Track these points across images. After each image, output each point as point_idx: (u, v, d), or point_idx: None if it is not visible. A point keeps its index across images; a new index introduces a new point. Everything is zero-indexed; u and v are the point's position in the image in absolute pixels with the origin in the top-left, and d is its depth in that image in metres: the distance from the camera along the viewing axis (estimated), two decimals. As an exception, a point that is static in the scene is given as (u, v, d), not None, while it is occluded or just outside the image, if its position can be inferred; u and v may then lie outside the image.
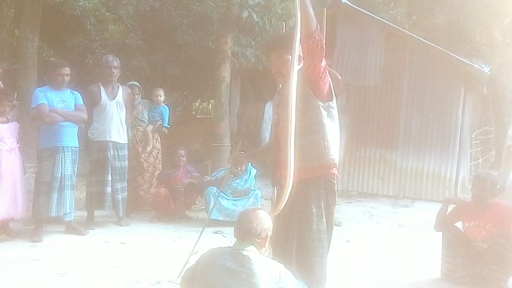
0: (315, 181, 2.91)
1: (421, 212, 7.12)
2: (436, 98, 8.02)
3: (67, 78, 5.14)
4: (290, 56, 2.77)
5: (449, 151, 8.03)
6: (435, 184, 8.03)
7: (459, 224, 4.39)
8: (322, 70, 2.84)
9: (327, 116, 2.92)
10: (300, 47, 2.73)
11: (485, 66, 12.03)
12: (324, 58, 2.82)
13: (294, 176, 2.62)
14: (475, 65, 8.93)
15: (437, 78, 8.07)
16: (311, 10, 2.68)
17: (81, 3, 9.00)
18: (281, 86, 3.38)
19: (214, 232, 5.64)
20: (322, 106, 2.91)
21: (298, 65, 2.84)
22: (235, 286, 2.38)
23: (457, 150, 8.03)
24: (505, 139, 6.67)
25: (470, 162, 9.36)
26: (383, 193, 8.35)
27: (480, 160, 10.38)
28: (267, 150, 3.48)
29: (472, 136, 9.51)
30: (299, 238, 2.87)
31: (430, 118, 8.08)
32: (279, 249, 2.94)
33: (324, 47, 2.79)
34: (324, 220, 2.91)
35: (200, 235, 4.15)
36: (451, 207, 4.46)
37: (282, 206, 2.64)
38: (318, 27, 2.75)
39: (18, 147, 5.11)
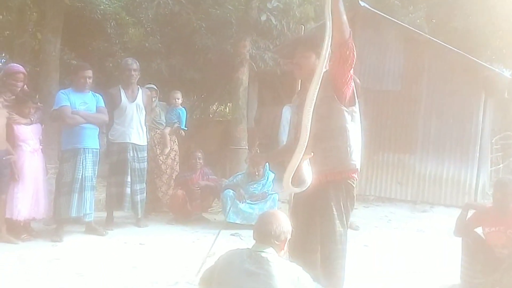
0: (336, 184, 2.97)
1: (440, 217, 7.04)
2: (455, 102, 7.94)
3: (89, 81, 5.22)
4: (314, 54, 2.84)
5: (469, 156, 7.93)
6: (455, 190, 7.94)
7: (479, 230, 4.33)
8: (349, 76, 2.87)
9: (351, 121, 2.97)
10: (331, 52, 2.73)
11: (506, 70, 11.84)
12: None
13: (315, 179, 2.72)
14: (496, 69, 8.81)
15: (456, 83, 7.99)
16: (345, 17, 2.68)
17: (102, 7, 9.14)
18: (299, 88, 3.40)
19: (231, 235, 5.66)
20: (346, 111, 2.95)
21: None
22: (253, 287, 2.39)
23: (477, 155, 7.93)
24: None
25: (491, 167, 9.22)
26: (401, 198, 8.28)
27: (501, 165, 10.22)
28: (285, 151, 3.46)
29: (492, 141, 9.37)
30: (322, 240, 2.95)
31: (449, 122, 8.00)
32: (299, 250, 2.98)
33: (355, 54, 2.80)
34: (344, 222, 2.96)
35: (216, 237, 4.17)
36: (470, 213, 4.41)
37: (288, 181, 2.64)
38: (351, 35, 2.75)
39: (41, 149, 5.20)
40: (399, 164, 8.32)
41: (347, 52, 2.75)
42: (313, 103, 2.60)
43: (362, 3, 8.76)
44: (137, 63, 5.81)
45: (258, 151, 6.28)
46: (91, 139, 5.21)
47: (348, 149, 2.94)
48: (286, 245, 2.60)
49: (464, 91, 7.93)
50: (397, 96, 8.23)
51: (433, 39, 8.55)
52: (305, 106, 2.62)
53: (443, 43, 8.49)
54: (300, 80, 3.64)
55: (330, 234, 2.92)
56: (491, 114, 8.79)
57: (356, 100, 3.01)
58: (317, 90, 2.60)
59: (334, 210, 2.92)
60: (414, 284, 4.22)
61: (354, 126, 2.98)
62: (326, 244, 2.94)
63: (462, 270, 4.24)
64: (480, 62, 8.56)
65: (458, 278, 4.27)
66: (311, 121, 2.64)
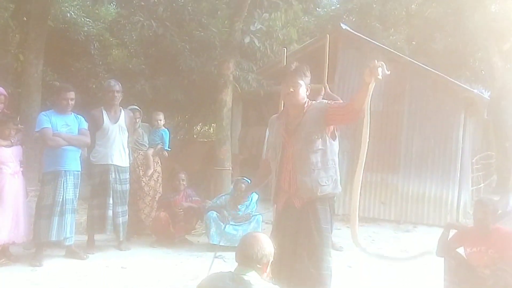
0: (321, 200, 3.26)
1: (423, 237, 7.07)
2: (436, 122, 8.07)
3: (71, 102, 5.19)
4: (305, 84, 3.27)
5: (450, 176, 8.03)
6: (437, 209, 8.00)
7: (461, 250, 4.36)
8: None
9: (337, 153, 3.33)
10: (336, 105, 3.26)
11: (485, 91, 12.10)
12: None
13: (301, 199, 3.17)
14: (475, 90, 9.00)
15: (437, 103, 8.12)
16: (368, 99, 3.09)
17: (86, 29, 9.16)
18: (281, 111, 3.45)
19: (215, 257, 5.59)
20: (334, 145, 3.31)
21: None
22: (236, 311, 2.37)
23: (458, 174, 8.03)
24: (508, 163, 6.68)
25: (472, 187, 9.32)
26: (384, 218, 8.31)
27: (482, 185, 10.35)
28: (264, 174, 3.67)
29: (473, 160, 9.50)
30: (312, 253, 3.16)
31: (431, 142, 8.11)
32: (286, 266, 3.16)
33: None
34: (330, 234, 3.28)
35: (211, 265, 4.08)
36: (452, 232, 4.44)
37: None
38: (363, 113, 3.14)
39: (21, 171, 5.13)
40: (382, 184, 8.38)
41: (351, 119, 3.22)
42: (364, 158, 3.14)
43: (344, 26, 8.94)
44: (120, 84, 5.81)
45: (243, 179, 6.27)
46: (73, 161, 5.15)
47: (338, 179, 3.33)
48: (268, 267, 2.59)
49: (445, 111, 8.06)
50: (379, 116, 8.32)
51: (414, 61, 8.73)
52: (359, 163, 3.14)
53: (423, 65, 8.66)
54: (283, 103, 3.80)
55: (321, 246, 3.19)
56: (471, 134, 8.94)
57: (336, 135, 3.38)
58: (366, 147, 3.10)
59: (323, 223, 3.21)
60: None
61: (337, 158, 3.36)
62: (317, 256, 3.17)
63: (445, 291, 4.25)
64: (459, 83, 8.74)
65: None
66: (306, 151, 3.18)
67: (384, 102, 8.42)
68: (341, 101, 3.42)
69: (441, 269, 4.32)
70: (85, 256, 5.28)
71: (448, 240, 4.34)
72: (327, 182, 3.23)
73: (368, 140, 3.11)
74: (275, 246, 2.90)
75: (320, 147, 3.22)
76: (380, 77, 2.93)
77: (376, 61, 2.95)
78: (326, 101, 3.41)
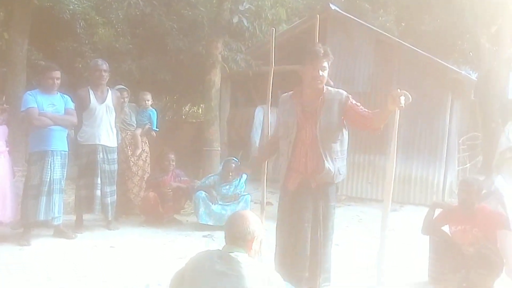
0: (332, 185, 3.51)
1: (409, 216, 7.17)
2: (424, 104, 8.11)
3: (57, 82, 5.12)
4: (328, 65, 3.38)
5: (436, 157, 8.12)
6: (423, 189, 8.11)
7: (446, 228, 4.44)
8: None
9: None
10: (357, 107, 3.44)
11: (472, 72, 12.19)
12: None
13: (318, 181, 3.39)
14: (463, 72, 9.05)
15: (425, 85, 8.16)
16: (396, 126, 3.41)
17: (71, 7, 8.97)
18: (295, 91, 3.59)
19: (203, 236, 5.65)
20: (347, 135, 3.51)
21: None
22: (224, 288, 2.39)
23: (445, 155, 8.12)
24: (493, 144, 6.76)
25: (458, 167, 9.44)
26: (372, 197, 8.41)
27: (468, 165, 10.47)
28: (266, 153, 3.82)
29: (459, 141, 9.59)
30: (325, 228, 3.43)
31: (418, 123, 8.17)
32: (305, 237, 3.40)
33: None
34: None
35: None
36: (437, 212, 4.51)
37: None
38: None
39: (7, 151, 5.08)
40: (369, 165, 8.45)
41: (367, 130, 3.48)
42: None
43: (333, 7, 8.88)
44: (107, 64, 5.73)
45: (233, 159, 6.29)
46: (60, 141, 5.11)
47: (346, 167, 3.56)
48: (256, 244, 2.61)
49: (432, 93, 8.10)
50: (367, 98, 8.34)
51: (402, 42, 8.73)
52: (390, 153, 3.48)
53: (412, 46, 8.67)
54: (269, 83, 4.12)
55: (330, 223, 3.47)
56: (458, 115, 9.01)
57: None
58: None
59: (331, 202, 3.48)
60: (384, 281, 4.28)
61: None
62: (326, 232, 3.45)
63: (429, 268, 4.34)
64: (447, 65, 8.78)
65: (426, 275, 4.37)
66: (324, 142, 3.34)
67: (373, 83, 8.45)
68: (332, 84, 3.46)
69: (427, 246, 4.40)
70: (73, 236, 5.29)
71: (434, 218, 4.42)
72: (343, 171, 3.49)
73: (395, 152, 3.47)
74: (289, 223, 3.41)
75: (339, 137, 3.42)
76: (402, 105, 3.10)
77: (399, 90, 3.12)
78: (346, 94, 3.47)
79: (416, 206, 7.74)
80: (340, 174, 3.44)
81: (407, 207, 7.87)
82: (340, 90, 3.50)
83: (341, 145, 3.44)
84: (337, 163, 3.40)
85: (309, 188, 3.40)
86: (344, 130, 3.46)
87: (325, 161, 3.35)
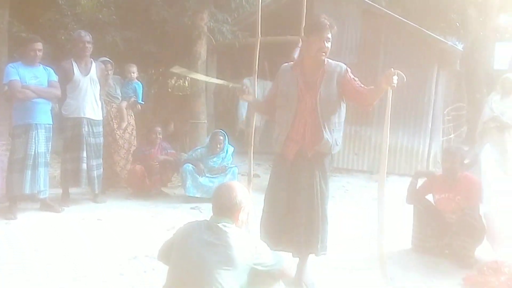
0: (328, 156, 3.55)
1: (394, 186, 7.26)
2: (410, 74, 7.91)
3: (39, 54, 5.02)
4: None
5: (422, 127, 8.19)
6: (408, 159, 8.20)
7: (430, 197, 4.51)
8: None
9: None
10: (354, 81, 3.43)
11: (458, 43, 12.20)
12: None
13: (315, 150, 3.39)
14: (449, 43, 9.05)
15: (412, 55, 8.15)
16: (376, 99, 3.43)
17: (52, -23, 8.75)
18: (296, 62, 3.60)
19: (191, 208, 5.69)
20: (345, 108, 3.52)
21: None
22: (212, 258, 2.42)
23: (430, 125, 8.19)
24: (478, 115, 6.84)
25: (442, 137, 9.54)
26: (358, 168, 8.50)
27: (452, 135, 10.60)
28: (270, 110, 3.69)
29: (445, 112, 9.68)
30: (321, 197, 3.47)
31: (404, 94, 8.18)
32: (302, 205, 3.45)
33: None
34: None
35: None
36: (421, 181, 4.58)
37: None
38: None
39: (-10, 125, 5.01)
40: (356, 136, 8.51)
41: (359, 106, 3.53)
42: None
43: (320, -25, 8.75)
44: (90, 35, 5.62)
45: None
46: (43, 114, 5.04)
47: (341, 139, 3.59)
48: (243, 215, 2.63)
49: (419, 63, 8.10)
50: (354, 69, 8.25)
51: (390, 12, 8.67)
52: (384, 129, 3.41)
53: (399, 17, 8.62)
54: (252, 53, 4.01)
55: (325, 190, 3.50)
56: (444, 86, 9.05)
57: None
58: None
59: (327, 170, 3.53)
60: (369, 249, 4.37)
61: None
62: (323, 199, 3.49)
63: (413, 235, 4.44)
64: (434, 35, 8.75)
65: (410, 243, 4.47)
66: (323, 112, 3.35)
67: (360, 54, 8.42)
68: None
69: (411, 215, 4.49)
70: (60, 209, 5.28)
71: (418, 188, 4.49)
72: (340, 142, 3.53)
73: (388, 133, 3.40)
74: (283, 191, 3.45)
75: (337, 109, 3.44)
76: (395, 85, 3.12)
77: (392, 69, 3.13)
78: (345, 67, 3.48)
79: (400, 176, 7.83)
80: (337, 145, 3.47)
81: (392, 177, 7.95)
82: (340, 63, 3.49)
83: (339, 116, 3.47)
84: (335, 134, 3.43)
85: (305, 157, 3.43)
86: (342, 102, 3.48)
87: (324, 131, 3.37)
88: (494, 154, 6.27)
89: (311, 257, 3.61)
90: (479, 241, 4.19)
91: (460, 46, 11.67)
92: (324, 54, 3.37)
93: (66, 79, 5.42)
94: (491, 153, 4.42)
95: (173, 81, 15.19)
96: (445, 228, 4.25)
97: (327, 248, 3.59)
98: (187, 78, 11.05)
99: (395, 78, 3.12)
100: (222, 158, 6.19)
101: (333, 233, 4.75)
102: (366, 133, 8.43)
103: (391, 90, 3.19)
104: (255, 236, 2.67)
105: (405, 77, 3.12)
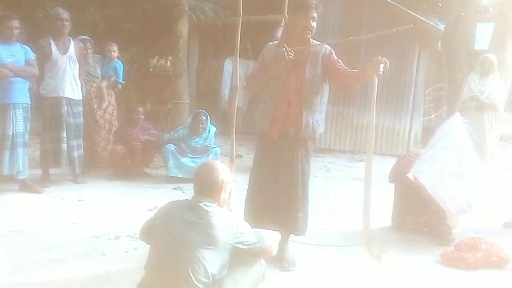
0: (311, 140, 3.61)
1: (376, 166, 7.31)
2: (392, 54, 8.10)
3: (16, 31, 4.91)
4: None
5: (403, 107, 8.26)
6: (389, 139, 8.29)
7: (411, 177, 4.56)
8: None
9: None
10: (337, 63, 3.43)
11: (440, 23, 12.25)
12: None
13: (296, 130, 3.40)
14: (431, 22, 9.08)
15: (394, 35, 8.10)
16: (359, 84, 3.52)
17: (28, -48, 8.48)
18: (281, 40, 3.60)
19: (173, 188, 5.68)
20: (327, 89, 3.53)
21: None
22: (193, 237, 2.43)
23: (411, 106, 8.27)
24: (458, 95, 6.91)
25: (423, 117, 9.66)
26: (340, 148, 8.56)
27: (433, 116, 10.72)
28: (260, 84, 3.60)
29: (426, 92, 9.77)
30: (303, 176, 3.49)
31: (386, 74, 8.17)
32: (283, 184, 3.47)
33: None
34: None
35: None
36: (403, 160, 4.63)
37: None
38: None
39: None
40: (338, 116, 8.55)
41: (342, 89, 3.67)
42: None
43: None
44: (68, 13, 5.50)
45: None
46: (21, 94, 4.95)
47: (325, 120, 3.61)
48: (225, 194, 2.64)
49: (401, 43, 8.13)
50: (336, 48, 8.28)
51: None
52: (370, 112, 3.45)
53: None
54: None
55: (307, 170, 3.53)
56: (425, 66, 9.12)
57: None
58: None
59: (310, 151, 3.56)
60: (350, 227, 4.44)
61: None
62: (304, 179, 3.51)
63: (393, 213, 4.51)
64: (416, 15, 8.77)
65: (390, 220, 4.54)
66: (306, 93, 3.36)
67: (343, 33, 8.40)
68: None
69: (391, 194, 4.55)
70: (40, 190, 5.22)
71: (399, 166, 4.55)
72: (321, 123, 3.52)
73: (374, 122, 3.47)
74: (267, 170, 3.48)
75: (321, 90, 3.43)
76: (381, 73, 3.11)
77: (379, 57, 3.11)
78: (330, 48, 3.47)
79: (382, 156, 7.91)
80: (319, 125, 3.48)
81: (374, 157, 8.02)
82: (325, 44, 3.49)
83: (321, 97, 3.47)
84: (316, 115, 3.44)
85: (288, 137, 3.44)
86: (325, 84, 3.47)
87: (305, 112, 3.38)
88: (471, 133, 6.39)
89: (293, 235, 3.65)
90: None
91: (441, 27, 11.74)
92: (309, 32, 3.34)
93: (44, 57, 5.32)
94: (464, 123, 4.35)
95: (154, 61, 15.03)
96: (424, 206, 4.32)
97: (307, 228, 3.63)
98: (169, 58, 10.92)
99: (381, 66, 3.10)
100: (204, 138, 6.17)
101: (315, 212, 4.83)
102: (349, 113, 8.48)
103: (377, 78, 3.17)
104: (236, 215, 2.68)
105: (388, 63, 3.11)
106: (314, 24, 3.33)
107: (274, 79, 3.43)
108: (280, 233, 3.64)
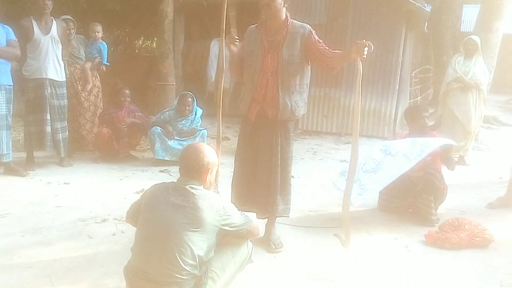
0: (292, 121, 3.56)
1: (362, 148, 7.38)
2: (379, 36, 8.11)
3: (-5, 11, 4.80)
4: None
5: (389, 89, 8.26)
6: (376, 121, 8.31)
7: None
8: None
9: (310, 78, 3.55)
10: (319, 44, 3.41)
11: (427, 5, 12.24)
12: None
13: (275, 110, 3.40)
14: (417, 4, 9.06)
15: (380, 16, 8.14)
16: (341, 65, 3.47)
17: None
18: (260, 22, 3.52)
19: (160, 171, 5.66)
20: (309, 70, 3.50)
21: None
22: (180, 220, 2.42)
23: (397, 87, 8.28)
24: (443, 77, 6.94)
25: (409, 100, 9.70)
26: (327, 131, 8.58)
27: (419, 98, 10.78)
28: (239, 67, 3.63)
29: (412, 74, 9.80)
30: (282, 157, 3.47)
31: (372, 56, 8.18)
32: (263, 166, 3.49)
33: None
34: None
35: None
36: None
37: None
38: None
39: None
40: (325, 98, 8.54)
41: (324, 69, 3.50)
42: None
43: None
44: (51, -9, 5.37)
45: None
46: (3, 75, 4.85)
47: (307, 101, 3.57)
48: (211, 176, 2.63)
49: (387, 24, 8.10)
50: (323, 30, 8.26)
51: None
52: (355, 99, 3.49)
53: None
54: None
55: (288, 152, 3.51)
56: (411, 48, 9.12)
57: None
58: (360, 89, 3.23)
59: (291, 132, 3.52)
60: (335, 210, 4.47)
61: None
62: (284, 160, 3.50)
63: (380, 196, 4.54)
64: (402, -4, 8.74)
65: (376, 203, 4.59)
66: (283, 74, 3.34)
67: (329, 15, 8.36)
68: (288, 15, 3.42)
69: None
70: (25, 173, 5.17)
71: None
72: (301, 104, 3.48)
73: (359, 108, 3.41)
74: (248, 152, 3.48)
75: (300, 70, 3.40)
76: (365, 56, 3.09)
77: (364, 40, 3.09)
78: (310, 28, 3.44)
79: (368, 138, 7.96)
80: (298, 106, 3.45)
81: (360, 140, 7.97)
82: (304, 24, 3.46)
83: (301, 78, 3.44)
84: (295, 96, 3.42)
85: (267, 118, 3.43)
86: (306, 64, 3.45)
87: (281, 92, 3.37)
88: (456, 114, 6.45)
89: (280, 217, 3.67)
90: (441, 200, 4.34)
91: (428, 8, 11.73)
92: (266, 11, 3.33)
93: (25, 38, 5.20)
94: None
95: (140, 42, 14.83)
96: (409, 188, 4.36)
97: (290, 210, 3.64)
98: (155, 39, 10.76)
99: (365, 49, 3.08)
100: (191, 120, 6.13)
101: (302, 195, 4.86)
102: (335, 95, 8.48)
103: (361, 62, 3.15)
104: (222, 197, 2.68)
105: (373, 47, 3.10)
106: (269, 2, 3.30)
107: (252, 60, 3.43)
108: (262, 217, 3.64)
